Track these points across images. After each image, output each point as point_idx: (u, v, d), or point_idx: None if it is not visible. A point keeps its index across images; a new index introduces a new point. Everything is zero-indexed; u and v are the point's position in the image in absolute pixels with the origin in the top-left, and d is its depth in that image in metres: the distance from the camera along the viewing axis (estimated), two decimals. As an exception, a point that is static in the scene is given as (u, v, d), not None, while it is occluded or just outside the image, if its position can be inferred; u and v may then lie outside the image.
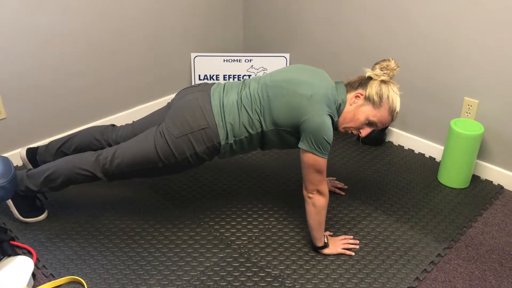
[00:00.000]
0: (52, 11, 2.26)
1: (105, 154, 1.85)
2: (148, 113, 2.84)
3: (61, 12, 2.30)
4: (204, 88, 1.87)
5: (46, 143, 2.41)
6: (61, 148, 2.07)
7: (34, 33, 2.24)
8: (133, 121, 2.07)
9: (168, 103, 1.99)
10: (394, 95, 1.77)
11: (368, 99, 1.77)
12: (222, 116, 1.77)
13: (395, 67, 1.77)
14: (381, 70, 1.77)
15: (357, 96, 1.79)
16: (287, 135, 1.79)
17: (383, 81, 1.77)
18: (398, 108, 1.79)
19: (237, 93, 1.82)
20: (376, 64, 1.80)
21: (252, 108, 1.77)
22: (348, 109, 1.80)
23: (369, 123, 1.81)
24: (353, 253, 1.89)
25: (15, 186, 1.50)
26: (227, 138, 1.77)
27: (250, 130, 1.78)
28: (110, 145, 2.03)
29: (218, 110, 1.77)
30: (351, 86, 1.82)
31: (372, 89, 1.76)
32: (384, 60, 1.79)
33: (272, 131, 1.79)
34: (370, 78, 1.79)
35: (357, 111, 1.79)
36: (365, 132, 1.83)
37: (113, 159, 1.83)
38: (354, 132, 1.85)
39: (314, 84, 1.74)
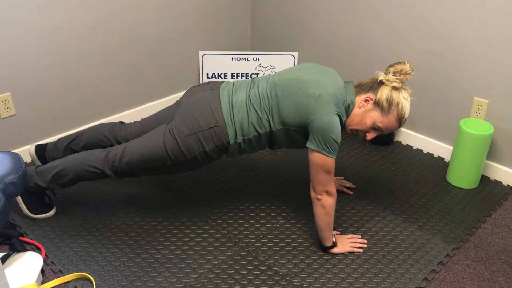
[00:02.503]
0: (61, 10, 2.27)
1: (114, 151, 1.86)
2: (156, 111, 2.86)
3: (70, 11, 2.31)
4: (214, 87, 1.87)
5: (55, 140, 2.43)
6: (70, 145, 2.08)
7: (44, 32, 2.25)
8: (142, 119, 2.07)
9: (177, 101, 1.99)
10: (404, 102, 1.75)
11: (377, 104, 1.76)
12: (231, 115, 1.77)
13: (410, 71, 1.74)
14: (394, 75, 1.74)
15: (366, 100, 1.78)
16: (295, 134, 1.78)
17: (394, 87, 1.75)
18: (407, 115, 1.77)
19: (246, 92, 1.81)
20: (390, 66, 1.77)
21: (261, 107, 1.77)
22: (356, 111, 1.79)
23: (375, 128, 1.80)
24: (361, 250, 1.89)
25: (25, 182, 1.50)
26: (235, 137, 1.77)
27: (259, 130, 1.78)
28: (118, 142, 2.03)
29: (227, 109, 1.77)
30: (361, 88, 1.81)
31: (383, 94, 1.75)
32: (399, 63, 1.76)
33: (281, 131, 1.78)
34: (381, 83, 1.78)
35: (365, 115, 1.78)
36: (370, 136, 1.82)
37: (122, 157, 1.83)
38: (361, 134, 1.84)
39: (322, 83, 1.74)
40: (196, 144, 1.77)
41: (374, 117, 1.77)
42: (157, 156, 1.80)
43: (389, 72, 1.76)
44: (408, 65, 1.75)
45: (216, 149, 1.80)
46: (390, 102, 1.74)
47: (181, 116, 1.80)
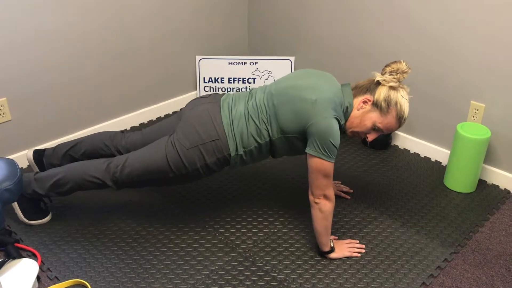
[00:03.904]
0: (58, 14, 2.27)
1: (115, 162, 1.85)
2: (153, 116, 2.86)
3: (67, 15, 2.30)
4: (215, 99, 1.87)
5: (51, 145, 2.42)
6: (69, 152, 2.06)
7: (40, 36, 2.24)
8: (142, 129, 2.06)
9: (178, 113, 1.98)
10: (403, 101, 1.75)
11: (375, 105, 1.76)
12: (231, 128, 1.77)
13: (406, 70, 1.74)
14: (391, 75, 1.74)
15: (364, 102, 1.78)
16: (295, 141, 1.78)
17: (391, 87, 1.75)
18: (406, 114, 1.77)
19: (244, 103, 1.82)
20: (386, 66, 1.77)
21: (259, 118, 1.77)
22: (355, 114, 1.79)
23: (376, 129, 1.80)
24: (359, 255, 1.89)
25: (21, 189, 1.49)
26: (236, 149, 1.77)
27: (259, 140, 1.78)
28: (119, 151, 2.02)
29: (228, 121, 1.78)
30: (359, 90, 1.81)
31: (380, 95, 1.75)
32: (395, 62, 1.76)
33: (280, 139, 1.78)
34: (378, 83, 1.78)
35: (364, 117, 1.78)
36: (371, 137, 1.82)
37: (123, 168, 1.82)
38: (362, 136, 1.84)
39: (318, 88, 1.74)
40: (197, 157, 1.77)
41: (373, 118, 1.77)
42: (159, 168, 1.80)
43: (385, 72, 1.76)
44: (404, 63, 1.74)
45: (218, 162, 1.80)
46: (388, 102, 1.74)
47: (182, 129, 1.80)
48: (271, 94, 1.79)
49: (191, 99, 2.77)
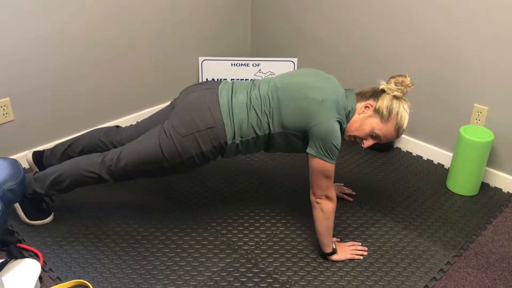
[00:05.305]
0: (60, 14, 2.27)
1: (110, 155, 1.85)
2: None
3: (69, 15, 2.30)
4: (211, 86, 1.86)
5: (54, 145, 2.42)
6: (67, 151, 2.07)
7: (43, 36, 2.25)
8: (137, 122, 2.06)
9: (172, 102, 1.98)
10: (403, 112, 1.77)
11: (377, 111, 1.76)
12: (230, 116, 1.76)
13: (410, 84, 1.76)
14: (396, 85, 1.76)
15: (366, 107, 1.78)
16: (294, 139, 1.78)
17: (395, 97, 1.76)
18: (405, 126, 1.79)
19: (246, 93, 1.81)
20: (391, 78, 1.79)
21: (262, 109, 1.77)
22: (356, 118, 1.79)
23: (373, 136, 1.80)
24: (361, 257, 1.88)
25: (24, 189, 1.49)
26: (234, 137, 1.77)
27: (258, 132, 1.77)
28: (115, 147, 2.02)
29: (226, 109, 1.76)
30: (362, 95, 1.82)
31: (383, 102, 1.76)
32: (400, 75, 1.78)
33: (280, 134, 1.78)
34: (383, 91, 1.79)
35: (364, 122, 1.78)
36: (367, 143, 1.82)
37: (118, 160, 1.82)
38: (358, 141, 1.84)
39: (325, 89, 1.74)
40: (193, 145, 1.76)
41: (373, 124, 1.78)
42: (153, 158, 1.79)
43: (390, 83, 1.78)
44: (409, 78, 1.77)
45: (213, 150, 1.79)
46: (390, 110, 1.75)
47: (178, 116, 1.79)
48: (277, 87, 1.79)
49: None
